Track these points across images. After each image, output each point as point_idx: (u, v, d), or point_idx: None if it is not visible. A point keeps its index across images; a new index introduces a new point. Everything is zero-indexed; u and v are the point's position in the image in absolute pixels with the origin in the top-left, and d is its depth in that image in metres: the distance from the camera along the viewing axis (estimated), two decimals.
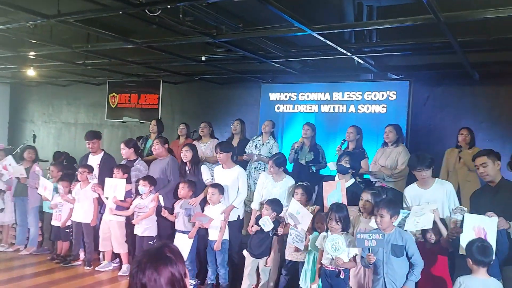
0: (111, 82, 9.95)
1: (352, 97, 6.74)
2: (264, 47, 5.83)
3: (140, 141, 6.90)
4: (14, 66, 8.35)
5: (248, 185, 5.30)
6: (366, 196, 3.99)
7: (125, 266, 5.39)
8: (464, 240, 3.38)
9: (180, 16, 4.60)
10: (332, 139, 6.67)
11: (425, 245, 3.76)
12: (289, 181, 4.85)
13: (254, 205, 4.94)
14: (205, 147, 6.21)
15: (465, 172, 5.28)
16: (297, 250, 4.37)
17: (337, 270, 3.75)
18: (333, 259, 3.74)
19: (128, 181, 5.39)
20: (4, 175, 6.14)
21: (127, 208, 5.36)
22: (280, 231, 4.43)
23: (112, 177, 5.40)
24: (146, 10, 4.33)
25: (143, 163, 5.70)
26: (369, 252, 3.42)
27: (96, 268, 5.47)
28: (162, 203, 5.09)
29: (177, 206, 5.05)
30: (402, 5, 5.16)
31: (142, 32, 5.90)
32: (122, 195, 5.26)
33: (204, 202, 5.08)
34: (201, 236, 4.95)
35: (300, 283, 4.21)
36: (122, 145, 5.67)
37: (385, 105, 6.47)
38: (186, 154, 5.28)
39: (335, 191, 4.25)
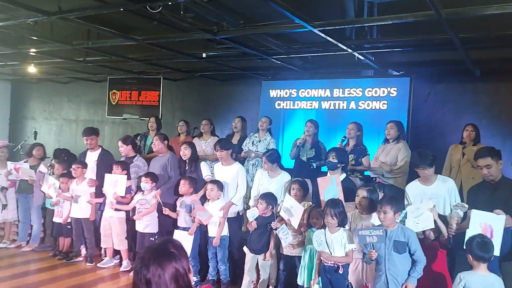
0: (111, 79, 9.95)
1: (352, 94, 6.74)
2: (265, 43, 5.82)
3: (138, 138, 6.91)
4: (14, 63, 8.34)
5: (246, 182, 5.30)
6: (362, 192, 3.99)
7: (125, 262, 5.43)
8: (469, 237, 3.36)
9: (181, 12, 4.59)
10: (333, 136, 6.67)
11: (424, 242, 3.77)
12: (285, 176, 4.87)
13: (251, 202, 4.97)
14: (205, 145, 6.22)
15: (469, 168, 5.27)
16: (293, 245, 4.41)
17: (335, 265, 3.77)
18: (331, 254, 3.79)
19: (127, 177, 5.40)
20: (13, 173, 6.15)
21: (127, 204, 5.37)
22: (275, 225, 4.45)
23: (110, 173, 5.42)
24: (147, 7, 4.33)
25: (142, 160, 5.72)
26: (371, 249, 3.42)
27: (98, 265, 5.49)
28: (159, 200, 5.08)
29: (179, 203, 5.07)
30: (403, 1, 5.14)
31: (143, 29, 5.89)
32: (123, 191, 5.28)
33: (204, 199, 5.09)
34: (203, 233, 4.97)
35: (298, 280, 4.23)
36: (120, 143, 5.69)
37: (385, 102, 6.47)
38: (185, 152, 5.29)
39: (330, 186, 4.25)
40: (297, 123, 7.01)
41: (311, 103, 7.06)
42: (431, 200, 3.75)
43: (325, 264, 3.83)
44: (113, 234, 5.46)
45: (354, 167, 5.39)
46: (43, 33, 5.98)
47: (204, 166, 5.34)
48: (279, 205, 4.58)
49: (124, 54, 7.11)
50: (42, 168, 6.19)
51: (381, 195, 4.22)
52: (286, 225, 4.35)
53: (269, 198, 4.54)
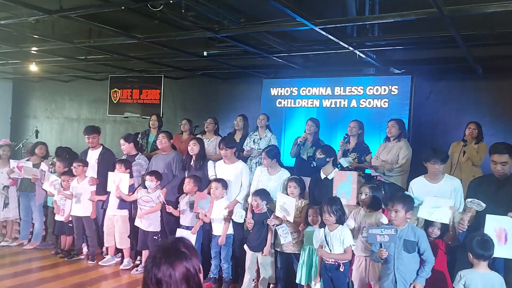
0: (113, 77, 9.96)
1: (353, 92, 6.73)
2: (266, 41, 5.82)
3: (140, 136, 6.91)
4: (16, 61, 8.36)
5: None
6: (364, 190, 3.98)
7: (126, 261, 5.43)
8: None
9: (182, 11, 4.59)
10: (334, 134, 6.68)
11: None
12: (285, 174, 4.85)
13: (250, 199, 4.91)
14: (208, 143, 6.19)
15: (470, 166, 5.26)
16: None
17: (336, 263, 3.77)
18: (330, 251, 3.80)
19: (130, 175, 5.41)
20: (15, 172, 6.16)
21: (130, 202, 5.38)
22: (271, 221, 4.45)
23: (111, 171, 5.42)
24: (148, 5, 4.34)
25: (144, 158, 5.71)
26: (381, 247, 3.39)
27: (100, 263, 5.50)
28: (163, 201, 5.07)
29: (182, 201, 5.06)
30: None
31: (144, 27, 5.89)
32: (127, 189, 5.28)
33: None
34: (205, 231, 4.97)
35: (297, 279, 4.23)
36: (122, 141, 5.69)
37: (387, 100, 6.47)
38: (193, 148, 5.23)
39: (345, 183, 4.19)
40: (298, 121, 7.01)
41: (312, 101, 7.07)
42: (449, 199, 3.70)
43: (326, 262, 3.83)
44: (115, 233, 5.47)
45: (358, 165, 5.39)
46: (44, 31, 5.98)
47: (211, 166, 5.28)
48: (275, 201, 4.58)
49: (125, 52, 7.11)
50: (44, 166, 6.20)
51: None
52: (286, 224, 4.34)
53: (262, 194, 4.56)
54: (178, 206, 5.08)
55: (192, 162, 5.29)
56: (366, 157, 5.43)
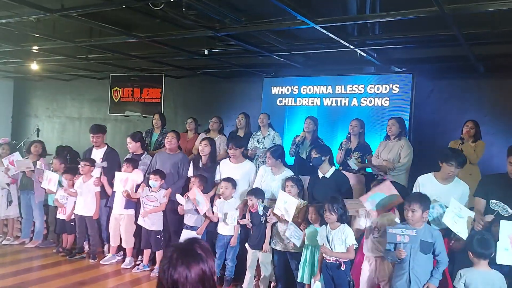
0: (114, 76, 9.96)
1: (354, 90, 6.73)
2: (266, 40, 5.83)
3: (143, 135, 6.91)
4: (17, 60, 8.37)
5: None
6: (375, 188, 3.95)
7: (128, 260, 5.44)
8: (500, 248, 3.28)
9: (183, 10, 4.59)
10: (334, 133, 6.68)
11: None
12: (288, 174, 4.82)
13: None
14: None
15: (467, 165, 5.24)
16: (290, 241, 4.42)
17: (337, 262, 3.77)
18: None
19: None
20: (10, 169, 6.18)
21: (137, 201, 5.39)
22: (273, 219, 4.46)
23: (115, 171, 5.43)
24: (149, 4, 4.34)
25: (149, 157, 5.72)
26: (401, 248, 3.37)
27: (101, 262, 5.51)
28: (182, 202, 5.00)
29: (187, 201, 5.05)
30: None
31: (145, 26, 5.90)
32: (133, 189, 5.28)
33: (212, 200, 5.07)
34: (209, 232, 4.98)
35: (298, 278, 4.23)
36: (129, 139, 5.69)
37: (388, 98, 6.46)
38: (204, 149, 5.20)
39: (385, 196, 3.90)
40: (299, 120, 6.99)
41: (313, 100, 7.06)
42: (472, 212, 3.64)
43: (327, 261, 3.84)
44: (122, 232, 5.47)
45: (364, 165, 5.39)
46: (45, 30, 5.99)
47: (218, 169, 5.21)
48: (274, 200, 4.58)
49: (126, 51, 7.11)
50: (41, 164, 6.19)
51: None
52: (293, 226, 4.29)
53: (257, 193, 4.57)
54: (182, 205, 5.06)
55: (201, 162, 5.26)
56: (367, 156, 5.43)
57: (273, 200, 4.68)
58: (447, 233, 3.69)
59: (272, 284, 4.69)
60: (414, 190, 4.07)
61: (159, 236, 5.22)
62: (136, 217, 5.40)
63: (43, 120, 11.46)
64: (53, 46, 6.67)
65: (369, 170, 5.45)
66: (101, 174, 5.68)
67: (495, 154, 6.07)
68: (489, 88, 6.35)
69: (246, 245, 4.69)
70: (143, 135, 6.74)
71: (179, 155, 5.52)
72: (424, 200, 3.49)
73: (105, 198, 5.67)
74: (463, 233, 3.54)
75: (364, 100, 6.65)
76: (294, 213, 4.23)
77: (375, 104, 6.55)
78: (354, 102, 6.72)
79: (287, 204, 4.28)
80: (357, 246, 3.87)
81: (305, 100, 7.12)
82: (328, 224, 3.89)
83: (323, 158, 4.57)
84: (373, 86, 6.58)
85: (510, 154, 3.64)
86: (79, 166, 5.73)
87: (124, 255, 5.58)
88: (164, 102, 9.39)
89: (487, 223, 3.53)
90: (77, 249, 5.75)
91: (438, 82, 6.67)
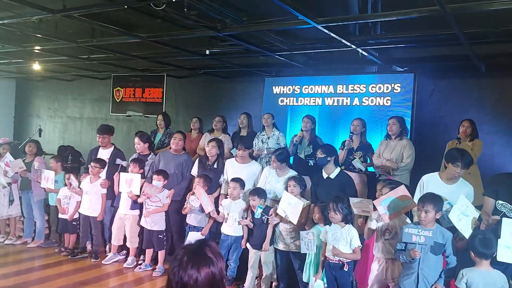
0: (115, 76, 9.98)
1: (356, 90, 6.73)
2: (268, 40, 5.82)
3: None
4: (19, 60, 8.39)
5: None
6: (385, 190, 3.92)
7: (130, 259, 5.46)
8: (501, 246, 3.27)
9: (185, 10, 4.60)
10: (336, 132, 6.68)
11: None
12: (292, 175, 4.78)
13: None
14: None
15: None
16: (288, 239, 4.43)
17: (340, 262, 3.77)
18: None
19: (142, 175, 5.43)
20: (8, 171, 6.19)
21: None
22: (275, 219, 4.45)
23: (121, 171, 5.45)
24: (151, 4, 4.35)
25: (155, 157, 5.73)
26: (415, 248, 3.35)
27: (103, 261, 5.52)
28: (196, 205, 4.91)
29: (188, 197, 5.04)
30: None
31: (147, 26, 5.91)
32: (138, 190, 5.29)
33: (217, 200, 5.09)
34: (212, 233, 4.99)
35: (303, 277, 4.23)
36: (137, 140, 5.70)
37: (389, 98, 6.46)
38: (211, 150, 5.17)
39: (399, 201, 3.78)
40: (301, 119, 6.99)
41: (315, 99, 7.06)
42: (477, 213, 3.63)
43: (330, 261, 3.83)
44: (126, 232, 5.49)
45: (367, 164, 5.39)
46: (47, 31, 6.01)
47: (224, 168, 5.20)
48: (278, 200, 4.58)
49: (128, 51, 7.13)
50: (36, 164, 6.21)
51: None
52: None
53: (260, 192, 4.58)
54: (189, 206, 5.05)
55: (208, 163, 5.24)
56: (370, 155, 5.43)
57: (277, 201, 4.69)
58: (452, 231, 3.69)
59: (274, 283, 4.69)
60: (417, 189, 4.06)
61: (161, 236, 5.24)
62: (140, 218, 5.42)
63: (45, 120, 11.48)
64: (55, 47, 6.68)
65: (371, 169, 5.45)
66: (107, 173, 5.68)
67: (496, 154, 6.07)
68: (490, 88, 6.34)
69: (248, 245, 4.69)
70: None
71: (184, 156, 5.53)
72: (437, 201, 3.47)
73: (111, 198, 5.68)
74: (466, 232, 3.53)
75: (365, 99, 6.65)
76: (299, 215, 4.22)
77: (377, 104, 6.56)
78: (356, 101, 6.73)
79: (292, 205, 4.25)
80: (361, 247, 3.87)
81: (307, 100, 7.13)
82: (332, 224, 3.88)
83: (328, 159, 4.55)
84: (374, 85, 6.58)
85: None
86: (89, 166, 5.74)
87: (127, 255, 5.59)
88: (165, 102, 9.40)
89: (492, 224, 3.51)
90: (79, 249, 5.77)
91: (439, 82, 6.67)
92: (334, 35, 5.00)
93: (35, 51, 7.12)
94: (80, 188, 5.73)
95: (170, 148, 5.62)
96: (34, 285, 4.71)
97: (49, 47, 6.72)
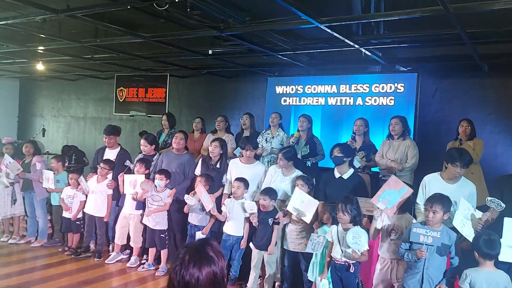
0: (119, 76, 10.01)
1: (359, 90, 6.72)
2: (271, 40, 5.83)
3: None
4: (23, 60, 8.43)
5: None
6: None
7: (133, 259, 5.48)
8: (504, 245, 3.28)
9: (188, 10, 4.60)
10: (339, 132, 6.67)
11: None
12: (298, 175, 4.77)
13: (257, 197, 4.89)
14: None
15: None
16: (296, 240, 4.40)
17: (347, 263, 3.75)
18: (343, 251, 3.75)
19: (147, 176, 5.45)
20: (10, 173, 6.20)
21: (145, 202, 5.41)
22: (284, 220, 4.44)
23: (126, 172, 5.47)
24: (154, 4, 4.36)
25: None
26: (422, 248, 3.35)
27: (106, 261, 5.54)
28: (191, 202, 4.97)
29: (191, 197, 5.04)
30: None
31: (150, 26, 5.92)
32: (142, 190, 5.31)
33: (219, 200, 5.08)
34: (213, 232, 4.99)
35: (308, 276, 4.22)
36: (143, 141, 5.71)
37: (393, 97, 6.45)
38: (214, 150, 5.16)
39: (395, 191, 3.83)
40: None
41: (318, 99, 7.06)
42: (480, 213, 3.63)
43: (336, 261, 3.80)
44: (130, 231, 5.51)
45: (367, 164, 5.38)
46: (51, 31, 6.02)
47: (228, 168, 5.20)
48: (283, 200, 4.57)
49: (131, 51, 7.14)
50: (37, 164, 6.22)
51: None
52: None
53: (271, 193, 4.55)
54: (187, 204, 5.07)
55: (211, 163, 5.24)
56: (372, 155, 5.41)
57: (282, 201, 4.69)
58: (456, 231, 3.68)
59: (277, 283, 4.69)
60: (420, 190, 4.06)
61: (163, 235, 5.25)
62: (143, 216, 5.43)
63: (48, 119, 11.53)
64: (59, 46, 6.70)
65: (374, 169, 5.43)
66: (113, 173, 5.70)
67: (500, 153, 6.06)
68: (493, 87, 6.32)
69: (251, 244, 4.69)
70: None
71: (186, 155, 5.54)
72: (446, 202, 3.46)
73: (117, 198, 5.70)
74: (471, 236, 3.53)
75: (369, 99, 6.64)
76: (313, 214, 4.17)
77: (380, 103, 6.54)
78: (359, 101, 6.71)
79: (305, 203, 4.20)
80: (368, 249, 3.85)
81: (310, 100, 7.12)
82: (340, 224, 3.85)
83: (344, 159, 4.52)
84: (378, 85, 6.57)
85: None
86: (97, 166, 5.76)
87: (130, 254, 5.61)
88: (168, 102, 9.42)
89: (487, 222, 3.55)
90: (83, 248, 5.79)
91: (442, 81, 6.66)
92: (337, 35, 4.99)
93: (39, 51, 7.15)
94: (87, 187, 5.74)
95: (173, 148, 5.63)
96: (37, 284, 4.73)
97: (53, 47, 6.75)
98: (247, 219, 4.71)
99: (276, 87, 7.42)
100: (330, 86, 6.95)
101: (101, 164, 5.69)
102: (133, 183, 5.33)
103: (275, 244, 4.54)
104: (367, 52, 5.87)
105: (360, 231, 3.66)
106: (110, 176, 5.70)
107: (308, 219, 4.22)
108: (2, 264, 5.39)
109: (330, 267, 3.92)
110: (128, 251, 5.70)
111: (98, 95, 10.68)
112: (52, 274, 5.07)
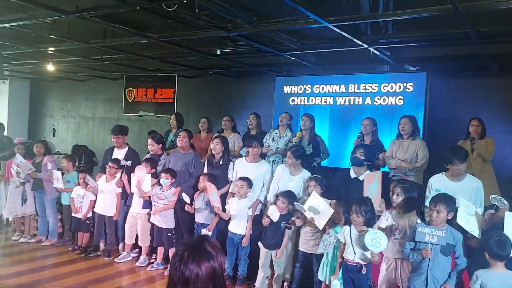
0: (127, 76, 10.07)
1: (368, 89, 6.68)
2: (278, 40, 5.82)
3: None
4: (33, 61, 8.51)
5: None
6: (396, 190, 3.87)
7: (142, 258, 5.51)
8: (487, 235, 3.29)
9: (196, 10, 4.62)
10: (348, 132, 6.65)
11: None
12: (306, 175, 4.78)
13: (270, 197, 4.89)
14: None
15: (480, 163, 5.20)
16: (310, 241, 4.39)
17: (358, 265, 3.72)
18: (355, 253, 3.73)
19: (154, 175, 5.48)
20: (20, 172, 6.28)
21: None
22: (299, 222, 4.43)
23: (126, 172, 5.52)
24: (163, 5, 4.38)
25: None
26: (428, 248, 3.33)
27: (115, 259, 5.59)
28: (188, 201, 5.06)
29: (197, 199, 5.09)
30: None
31: (158, 27, 5.94)
32: (148, 189, 5.34)
33: (224, 198, 5.09)
34: (220, 231, 5.00)
35: (318, 275, 4.20)
36: (151, 141, 5.75)
37: (401, 97, 6.41)
38: (215, 147, 5.20)
39: (373, 183, 4.11)
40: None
41: (326, 99, 7.03)
42: (480, 209, 3.64)
43: (348, 262, 3.78)
44: (138, 230, 5.55)
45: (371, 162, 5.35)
46: (61, 32, 6.08)
47: (231, 167, 5.22)
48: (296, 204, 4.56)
49: (139, 52, 7.18)
50: (48, 164, 6.28)
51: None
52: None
53: (291, 196, 4.53)
54: (193, 203, 5.11)
55: (214, 160, 5.27)
56: (379, 154, 5.38)
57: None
58: (462, 232, 3.66)
59: (285, 283, 4.69)
60: (427, 191, 4.05)
61: (170, 234, 5.28)
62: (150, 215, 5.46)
63: (58, 120, 11.63)
64: (68, 47, 6.76)
65: (385, 169, 5.39)
66: (122, 173, 5.75)
67: (509, 153, 5.99)
68: (502, 87, 6.25)
69: (259, 243, 4.69)
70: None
71: (191, 154, 5.56)
72: (450, 202, 3.44)
73: (124, 197, 5.75)
74: (476, 232, 3.54)
75: (377, 99, 6.60)
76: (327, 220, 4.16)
77: (389, 103, 6.51)
78: (368, 101, 6.68)
79: (321, 209, 4.18)
80: None
81: (318, 99, 7.09)
82: (353, 226, 3.82)
83: (364, 163, 4.50)
84: (386, 84, 6.53)
85: None
86: (106, 165, 5.81)
87: (139, 253, 5.64)
88: (177, 102, 9.46)
89: (490, 219, 3.56)
90: (92, 247, 5.84)
91: (451, 81, 6.60)
92: (345, 34, 4.98)
93: (49, 52, 7.22)
94: (97, 185, 5.80)
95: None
96: (47, 282, 4.79)
97: (63, 48, 6.81)
98: (250, 218, 4.72)
99: (284, 87, 7.40)
100: (338, 85, 6.92)
101: (110, 164, 5.74)
102: (139, 182, 5.35)
103: (285, 246, 4.54)
104: (375, 52, 5.84)
105: (380, 233, 3.59)
106: (118, 175, 5.74)
107: (320, 225, 4.20)
108: (13, 262, 5.47)
109: (341, 268, 3.89)
110: (137, 250, 5.74)
111: (107, 96, 10.75)
112: (62, 273, 5.12)
